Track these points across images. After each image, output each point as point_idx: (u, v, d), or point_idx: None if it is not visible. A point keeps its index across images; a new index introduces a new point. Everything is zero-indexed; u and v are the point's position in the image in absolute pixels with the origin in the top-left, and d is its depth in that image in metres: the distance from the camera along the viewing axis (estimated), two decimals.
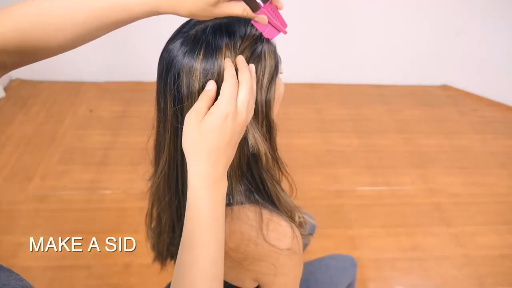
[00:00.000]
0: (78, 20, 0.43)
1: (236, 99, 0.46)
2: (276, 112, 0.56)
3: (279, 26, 0.51)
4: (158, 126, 0.56)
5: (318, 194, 1.79)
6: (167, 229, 0.63)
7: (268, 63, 0.52)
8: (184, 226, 0.47)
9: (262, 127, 0.53)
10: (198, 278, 0.45)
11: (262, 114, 0.53)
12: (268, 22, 0.49)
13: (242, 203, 0.56)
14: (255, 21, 0.49)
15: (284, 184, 0.62)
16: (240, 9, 0.46)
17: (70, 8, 0.43)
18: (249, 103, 0.47)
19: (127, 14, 0.44)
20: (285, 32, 0.52)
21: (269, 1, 0.48)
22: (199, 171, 0.46)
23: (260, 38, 0.51)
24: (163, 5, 0.43)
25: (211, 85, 0.47)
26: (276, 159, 0.56)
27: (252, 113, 0.49)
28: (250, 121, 0.51)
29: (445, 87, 2.61)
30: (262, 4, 0.47)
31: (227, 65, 0.47)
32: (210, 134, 0.44)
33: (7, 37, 0.42)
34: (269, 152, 0.54)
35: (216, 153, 0.45)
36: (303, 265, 0.60)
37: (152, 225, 0.67)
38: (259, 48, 0.51)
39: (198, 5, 0.43)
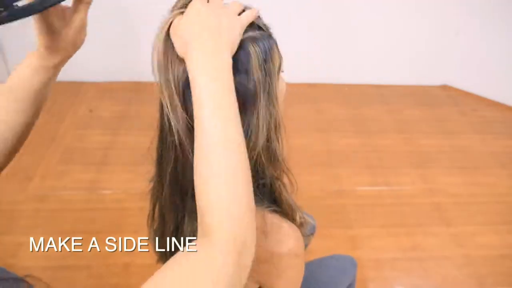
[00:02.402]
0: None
1: None
2: (282, 111, 0.56)
3: None
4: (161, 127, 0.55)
5: (318, 194, 1.79)
6: (170, 230, 0.63)
7: (276, 57, 0.52)
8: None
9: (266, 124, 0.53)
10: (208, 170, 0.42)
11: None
12: None
13: None
14: None
15: (284, 181, 0.61)
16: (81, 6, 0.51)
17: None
18: None
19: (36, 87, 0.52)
20: None
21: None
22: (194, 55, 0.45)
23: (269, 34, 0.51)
24: (49, 61, 0.51)
25: None
26: (278, 156, 0.56)
27: None
28: (249, 118, 0.50)
29: (445, 87, 2.61)
30: None
31: None
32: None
33: None
34: (268, 151, 0.54)
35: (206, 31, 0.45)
36: (304, 267, 0.60)
37: (155, 226, 0.67)
38: (271, 41, 0.51)
39: (59, 42, 0.52)
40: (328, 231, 1.60)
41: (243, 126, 0.48)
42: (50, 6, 0.46)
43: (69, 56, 0.54)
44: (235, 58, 0.47)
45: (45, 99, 0.56)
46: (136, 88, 2.39)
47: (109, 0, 2.20)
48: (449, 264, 1.53)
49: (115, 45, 2.36)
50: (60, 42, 0.52)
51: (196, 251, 0.39)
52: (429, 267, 1.51)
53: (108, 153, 1.94)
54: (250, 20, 0.49)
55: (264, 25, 0.52)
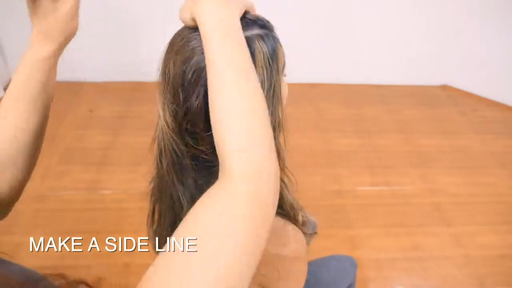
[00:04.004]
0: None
1: None
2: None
3: None
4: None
5: (318, 194, 1.79)
6: (169, 230, 0.63)
7: (281, 56, 0.52)
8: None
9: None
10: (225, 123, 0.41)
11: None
12: None
13: None
14: None
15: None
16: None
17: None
18: None
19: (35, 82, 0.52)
20: None
21: None
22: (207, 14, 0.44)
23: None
24: (42, 50, 0.53)
25: None
26: (281, 154, 0.56)
27: None
28: None
29: (445, 87, 2.61)
30: None
31: None
32: None
33: None
34: (276, 147, 0.54)
35: None
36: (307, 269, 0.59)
37: (154, 227, 0.67)
38: (276, 40, 0.52)
39: (53, 23, 0.52)
40: (328, 231, 1.60)
41: None
42: None
43: (63, 45, 0.55)
44: None
45: (52, 91, 0.57)
46: (136, 88, 2.40)
47: (109, 1, 2.20)
48: (449, 264, 1.53)
49: (115, 45, 2.36)
50: (52, 27, 0.53)
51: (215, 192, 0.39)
52: (429, 267, 1.51)
53: (108, 153, 1.94)
54: None
55: (269, 23, 0.52)
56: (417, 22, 2.38)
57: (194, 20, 0.46)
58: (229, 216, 0.36)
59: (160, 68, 0.53)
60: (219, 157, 0.42)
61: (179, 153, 0.53)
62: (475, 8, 2.28)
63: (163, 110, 0.52)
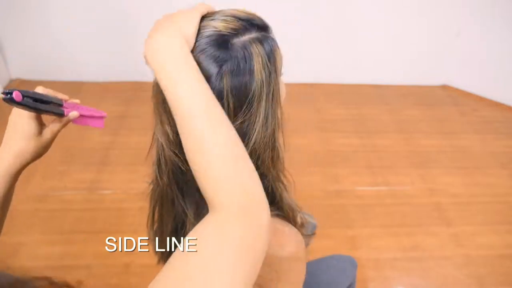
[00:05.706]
0: None
1: None
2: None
3: (96, 114, 0.59)
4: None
5: (318, 194, 1.79)
6: (169, 231, 0.63)
7: (278, 57, 0.52)
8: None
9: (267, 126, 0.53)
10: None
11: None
12: (83, 115, 0.58)
13: None
14: (74, 121, 0.58)
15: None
16: (59, 125, 0.58)
17: None
18: None
19: None
20: (105, 115, 0.60)
21: (65, 101, 0.57)
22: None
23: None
24: (13, 166, 0.54)
25: None
26: (281, 155, 0.56)
27: None
28: (255, 119, 0.50)
29: (445, 87, 2.61)
30: (62, 107, 0.56)
31: None
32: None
33: None
34: (272, 151, 0.54)
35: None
36: (305, 270, 0.59)
37: (154, 227, 0.67)
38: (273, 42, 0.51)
39: (32, 146, 0.54)
40: (328, 231, 1.60)
41: (249, 126, 0.50)
42: (52, 114, 0.56)
43: (27, 164, 0.57)
44: (239, 58, 0.47)
45: (8, 207, 0.61)
46: (136, 88, 2.40)
47: (109, 1, 2.20)
48: (449, 264, 1.53)
49: (115, 45, 2.36)
50: (30, 148, 0.55)
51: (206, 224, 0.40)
52: (429, 267, 1.51)
53: (108, 153, 1.94)
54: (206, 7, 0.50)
55: (265, 25, 0.52)
56: (417, 22, 2.38)
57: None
58: (224, 234, 0.38)
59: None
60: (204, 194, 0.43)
61: (183, 168, 0.53)
62: (476, 8, 2.28)
63: (163, 125, 0.51)
